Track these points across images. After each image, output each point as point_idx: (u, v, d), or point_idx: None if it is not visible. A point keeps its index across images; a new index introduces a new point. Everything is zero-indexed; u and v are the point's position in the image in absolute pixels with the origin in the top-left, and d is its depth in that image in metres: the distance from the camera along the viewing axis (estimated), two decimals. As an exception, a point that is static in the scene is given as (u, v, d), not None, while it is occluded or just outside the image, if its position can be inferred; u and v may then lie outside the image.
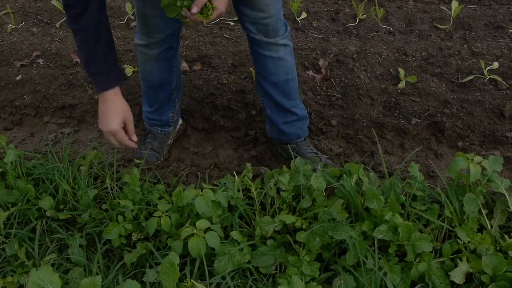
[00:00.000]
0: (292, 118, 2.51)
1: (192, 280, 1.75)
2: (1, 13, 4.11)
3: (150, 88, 2.57)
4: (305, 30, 3.66)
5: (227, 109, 2.93)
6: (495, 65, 3.04)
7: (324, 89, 3.03)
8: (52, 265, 2.02)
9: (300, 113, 2.53)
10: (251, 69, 3.12)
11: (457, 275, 1.79)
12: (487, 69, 3.00)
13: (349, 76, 3.06)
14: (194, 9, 1.83)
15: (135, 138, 2.08)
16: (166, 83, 2.54)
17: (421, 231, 1.93)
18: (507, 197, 2.01)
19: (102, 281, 1.69)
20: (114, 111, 2.01)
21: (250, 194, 2.18)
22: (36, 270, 1.70)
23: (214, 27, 3.79)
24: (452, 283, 1.79)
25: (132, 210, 2.11)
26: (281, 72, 2.34)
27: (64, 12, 1.90)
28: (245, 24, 2.26)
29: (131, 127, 2.08)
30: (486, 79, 2.98)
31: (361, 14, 3.70)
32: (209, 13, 1.85)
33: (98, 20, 1.94)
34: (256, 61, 2.39)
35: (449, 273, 1.80)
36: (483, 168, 2.02)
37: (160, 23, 2.28)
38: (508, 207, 2.01)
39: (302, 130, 2.60)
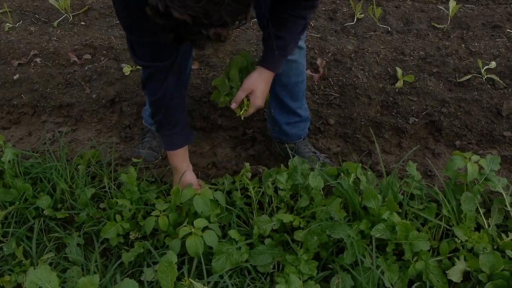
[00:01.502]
0: (295, 120, 2.51)
1: (190, 279, 1.76)
2: (-1, 12, 4.10)
3: None
4: (303, 29, 3.66)
5: (225, 108, 2.93)
6: (493, 64, 3.04)
7: (322, 88, 3.03)
8: (50, 264, 2.02)
9: (303, 114, 2.53)
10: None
11: (455, 274, 1.80)
12: (484, 68, 3.01)
13: (347, 75, 3.06)
14: (233, 105, 2.05)
15: None
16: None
17: (418, 230, 1.93)
18: (505, 196, 2.02)
19: (100, 280, 1.69)
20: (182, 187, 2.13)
21: (248, 193, 2.18)
22: (34, 269, 1.70)
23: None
24: (450, 281, 1.80)
25: (130, 209, 2.11)
26: (293, 74, 2.32)
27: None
28: (265, 25, 2.25)
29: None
30: (484, 78, 2.98)
31: (358, 13, 3.70)
32: (245, 108, 2.04)
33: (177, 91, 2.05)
34: None
35: (446, 272, 1.80)
36: (481, 167, 2.02)
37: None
38: (506, 206, 2.02)
39: (303, 131, 2.60)
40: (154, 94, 2.01)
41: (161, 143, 2.73)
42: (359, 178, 2.12)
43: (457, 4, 3.48)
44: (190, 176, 2.21)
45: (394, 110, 2.86)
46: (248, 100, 2.03)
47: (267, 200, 2.17)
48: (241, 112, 2.04)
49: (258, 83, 2.01)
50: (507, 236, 1.93)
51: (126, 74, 3.24)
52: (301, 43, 2.27)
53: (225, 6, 1.31)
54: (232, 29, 1.42)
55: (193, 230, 1.88)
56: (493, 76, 2.95)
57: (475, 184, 2.04)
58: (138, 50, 1.90)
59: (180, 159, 2.20)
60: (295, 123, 2.53)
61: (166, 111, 2.05)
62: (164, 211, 2.05)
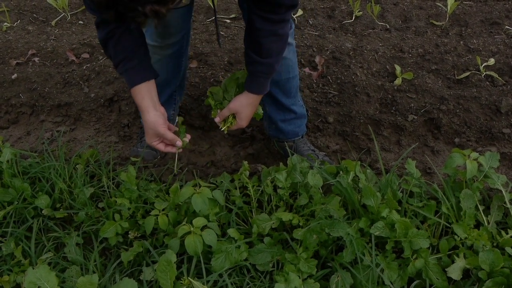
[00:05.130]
0: (290, 116, 2.51)
1: (189, 278, 1.75)
2: (-4, 11, 4.10)
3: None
4: (301, 27, 3.66)
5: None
6: (491, 61, 3.04)
7: (320, 86, 3.02)
8: (49, 263, 2.01)
9: (298, 111, 2.52)
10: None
11: (454, 271, 1.79)
12: (483, 65, 3.01)
13: (345, 73, 3.06)
14: (217, 119, 2.12)
15: (179, 143, 2.06)
16: (172, 81, 2.53)
17: (418, 228, 1.93)
18: (504, 193, 2.02)
19: (99, 280, 1.69)
20: (146, 129, 2.01)
21: (247, 192, 2.18)
22: (33, 269, 1.70)
23: (211, 25, 3.78)
24: (449, 279, 1.80)
25: (129, 209, 2.11)
26: (283, 70, 2.32)
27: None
28: (244, 8, 2.23)
29: (166, 136, 2.02)
30: (482, 75, 2.98)
31: (357, 11, 3.69)
32: (228, 125, 2.11)
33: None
34: None
35: (446, 269, 1.80)
36: (480, 164, 2.02)
37: (180, 23, 2.28)
38: (505, 203, 2.02)
39: (300, 128, 2.60)
40: (101, 32, 1.93)
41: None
42: (358, 176, 2.12)
43: (455, 1, 3.48)
44: (152, 115, 1.97)
45: (393, 108, 2.85)
46: (234, 118, 2.10)
47: (266, 199, 2.16)
48: (224, 128, 2.12)
49: (244, 108, 2.08)
50: (507, 233, 1.93)
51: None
52: (290, 39, 2.27)
53: None
54: (171, 6, 1.41)
55: (192, 229, 1.88)
56: (492, 73, 2.95)
57: (474, 182, 2.04)
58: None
59: (140, 96, 1.97)
60: (290, 120, 2.52)
61: (115, 45, 1.93)
62: (163, 210, 2.05)
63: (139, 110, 2.05)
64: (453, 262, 1.83)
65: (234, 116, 2.10)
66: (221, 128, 2.14)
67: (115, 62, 1.97)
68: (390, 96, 2.90)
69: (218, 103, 2.18)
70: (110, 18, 1.42)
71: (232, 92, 2.14)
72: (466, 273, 1.82)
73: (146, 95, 1.98)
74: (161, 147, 2.03)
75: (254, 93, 2.06)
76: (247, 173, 2.25)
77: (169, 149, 2.05)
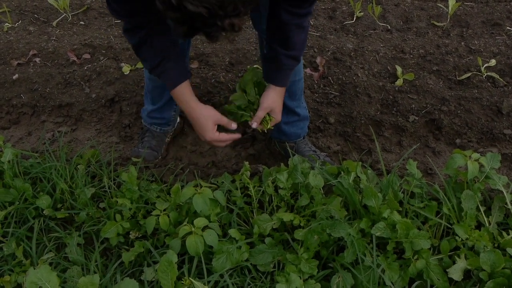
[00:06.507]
0: (294, 119, 2.51)
1: (190, 278, 1.75)
2: (-2, 12, 4.10)
3: (156, 87, 2.54)
4: (303, 28, 3.65)
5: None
6: (493, 62, 3.04)
7: (321, 87, 3.03)
8: (50, 264, 2.01)
9: (302, 113, 2.52)
10: (249, 67, 3.11)
11: (455, 272, 1.79)
12: (484, 66, 3.00)
13: (346, 74, 3.06)
14: (254, 124, 2.10)
15: (234, 125, 2.11)
16: None
17: (419, 228, 1.93)
18: (505, 194, 2.02)
19: (100, 280, 1.69)
20: (203, 124, 2.04)
21: (248, 192, 2.18)
22: (34, 269, 1.69)
23: (212, 25, 3.78)
24: (450, 280, 1.79)
25: (130, 209, 2.11)
26: None
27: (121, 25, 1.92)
28: (260, 30, 2.25)
29: (223, 121, 2.09)
30: (484, 76, 2.98)
31: (358, 11, 3.69)
32: (268, 125, 2.12)
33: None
34: None
35: (447, 270, 1.80)
36: (481, 165, 2.02)
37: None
38: (506, 204, 2.02)
39: (302, 130, 2.60)
40: (133, 38, 1.93)
41: (161, 142, 2.72)
42: (359, 177, 2.12)
43: (456, 2, 3.48)
44: (203, 107, 2.05)
45: (394, 109, 2.85)
46: (269, 115, 2.11)
47: (267, 199, 2.16)
48: (266, 127, 2.13)
49: (277, 102, 2.10)
50: (508, 234, 1.93)
51: (125, 73, 3.24)
52: None
53: None
54: (244, 18, 1.40)
55: (193, 229, 1.88)
56: (493, 74, 2.95)
57: (475, 182, 2.04)
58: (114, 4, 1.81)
59: (186, 94, 2.02)
60: (294, 122, 2.52)
61: (150, 47, 1.94)
62: (164, 210, 2.05)
63: (184, 109, 2.07)
64: (454, 262, 1.82)
65: (268, 114, 2.11)
66: (261, 130, 2.15)
67: (152, 64, 1.99)
68: (391, 97, 2.90)
69: (244, 106, 2.16)
70: (180, 34, 1.39)
71: (253, 93, 2.14)
72: (467, 274, 1.82)
73: (190, 92, 2.04)
74: (226, 136, 2.08)
75: (281, 86, 2.08)
76: (248, 173, 2.25)
77: (232, 136, 2.10)
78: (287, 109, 2.44)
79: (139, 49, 1.97)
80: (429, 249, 1.83)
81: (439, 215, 1.98)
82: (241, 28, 1.41)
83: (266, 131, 2.20)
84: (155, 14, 1.55)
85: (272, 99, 2.09)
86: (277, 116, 2.13)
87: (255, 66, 2.17)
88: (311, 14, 1.98)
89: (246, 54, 3.30)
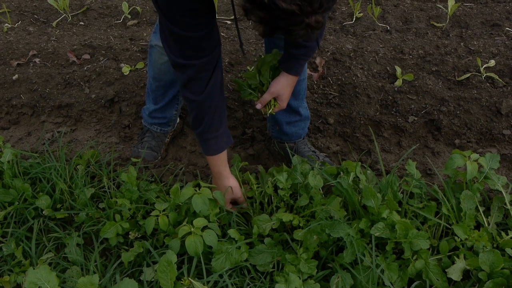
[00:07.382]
0: (296, 119, 2.51)
1: (189, 278, 1.75)
2: (-3, 12, 4.10)
3: (160, 87, 2.54)
4: (302, 29, 3.65)
5: (226, 108, 2.93)
6: (492, 62, 3.04)
7: (321, 87, 3.03)
8: (49, 264, 2.02)
9: (304, 113, 2.53)
10: (248, 67, 3.12)
11: (454, 272, 1.80)
12: (483, 66, 3.01)
13: (346, 74, 3.06)
14: (258, 106, 2.11)
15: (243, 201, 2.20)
16: (176, 83, 2.52)
17: (418, 229, 1.93)
18: (504, 194, 2.02)
19: (99, 280, 1.70)
20: (223, 191, 2.10)
21: (248, 192, 2.18)
22: (33, 269, 1.69)
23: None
24: (450, 280, 1.80)
25: (129, 209, 2.11)
26: None
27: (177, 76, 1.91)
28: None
29: (240, 200, 2.18)
30: (483, 76, 2.98)
31: (357, 12, 3.70)
32: (271, 109, 2.13)
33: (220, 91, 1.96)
34: None
35: (446, 270, 1.80)
36: (480, 166, 2.02)
37: None
38: (505, 204, 2.02)
39: (303, 130, 2.60)
40: (199, 93, 1.89)
41: (160, 142, 2.72)
42: (358, 177, 2.12)
43: (456, 2, 3.48)
44: (233, 181, 2.14)
45: (394, 109, 2.85)
46: (275, 100, 2.12)
47: (266, 200, 2.17)
48: (268, 111, 2.14)
49: (285, 89, 2.09)
50: (507, 235, 1.93)
51: (125, 74, 3.24)
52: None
53: None
54: (325, 15, 1.39)
55: (192, 229, 1.88)
56: (492, 75, 2.95)
57: (474, 183, 2.04)
58: (180, 47, 1.77)
59: (224, 162, 2.10)
60: (295, 122, 2.52)
61: (214, 112, 1.96)
62: (163, 210, 2.05)
63: (215, 174, 2.13)
64: (453, 263, 1.83)
65: (274, 99, 2.12)
66: (264, 113, 2.16)
67: (204, 128, 2.00)
68: (390, 97, 2.90)
69: (254, 86, 2.16)
70: (260, 32, 1.38)
71: (266, 75, 2.13)
72: (466, 274, 1.82)
73: (225, 161, 2.11)
74: (233, 209, 2.16)
75: (293, 75, 2.07)
76: (240, 165, 2.27)
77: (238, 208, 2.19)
78: (290, 109, 2.44)
79: (203, 105, 1.94)
80: (428, 249, 1.83)
81: (438, 216, 1.99)
82: (324, 25, 1.39)
83: (268, 115, 2.21)
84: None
85: (282, 85, 2.08)
86: (283, 103, 2.13)
87: (276, 50, 2.15)
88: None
89: (245, 55, 3.30)
